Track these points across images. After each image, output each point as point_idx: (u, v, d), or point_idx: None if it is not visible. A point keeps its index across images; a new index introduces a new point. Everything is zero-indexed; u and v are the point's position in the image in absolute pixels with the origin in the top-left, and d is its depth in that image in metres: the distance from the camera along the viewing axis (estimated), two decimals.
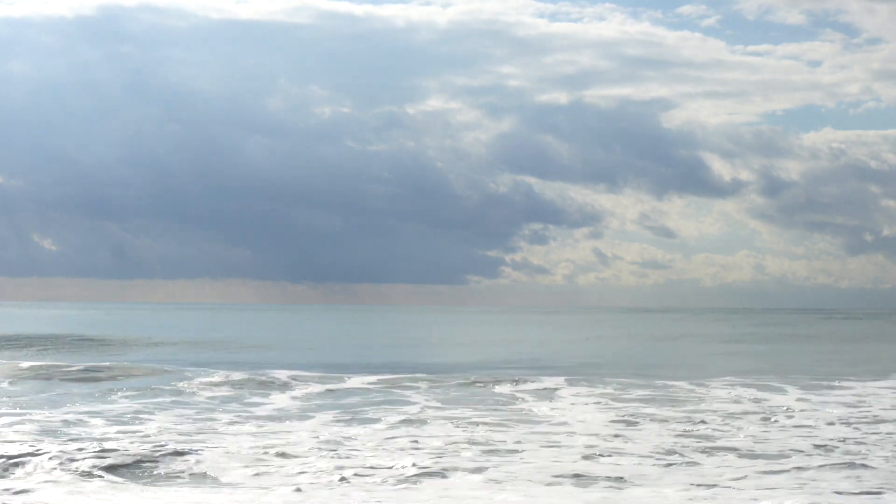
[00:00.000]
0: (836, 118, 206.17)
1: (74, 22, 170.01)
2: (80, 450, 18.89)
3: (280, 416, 25.58)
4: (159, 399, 29.29)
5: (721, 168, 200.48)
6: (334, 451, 19.64)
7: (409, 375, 36.86)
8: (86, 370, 38.10)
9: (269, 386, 33.43)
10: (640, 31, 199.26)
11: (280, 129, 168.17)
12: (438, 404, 28.44)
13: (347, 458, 18.87)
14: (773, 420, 24.76)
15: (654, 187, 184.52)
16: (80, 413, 25.71)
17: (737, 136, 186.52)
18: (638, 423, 24.25)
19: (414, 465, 17.92)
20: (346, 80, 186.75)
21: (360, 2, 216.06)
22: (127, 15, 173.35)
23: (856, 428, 23.29)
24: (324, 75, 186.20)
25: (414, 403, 28.59)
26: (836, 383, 34.74)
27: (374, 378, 35.63)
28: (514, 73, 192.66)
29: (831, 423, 24.09)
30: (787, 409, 27.17)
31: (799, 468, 18.05)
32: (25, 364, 40.72)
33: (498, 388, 33.00)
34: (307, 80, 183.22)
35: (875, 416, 25.72)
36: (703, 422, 24.24)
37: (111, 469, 17.66)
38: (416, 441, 20.89)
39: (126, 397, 29.72)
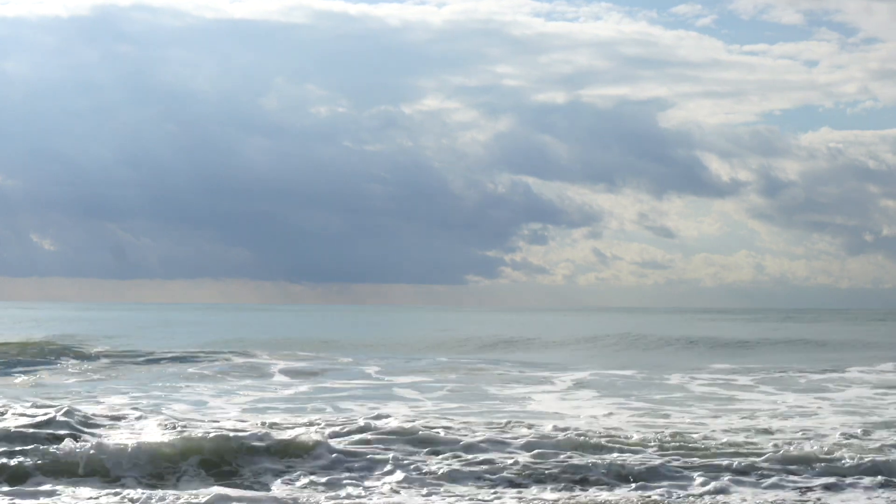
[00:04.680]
0: (833, 118, 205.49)
1: (70, 21, 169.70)
2: None
3: None
4: None
5: (719, 168, 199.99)
6: None
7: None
8: None
9: None
10: (637, 31, 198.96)
11: (276, 129, 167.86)
12: None
13: None
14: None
15: (652, 187, 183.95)
16: None
17: (734, 135, 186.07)
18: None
19: None
20: (342, 79, 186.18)
21: (356, 1, 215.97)
22: (122, 14, 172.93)
23: None
24: (319, 75, 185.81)
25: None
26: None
27: None
28: (511, 73, 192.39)
29: None
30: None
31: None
32: None
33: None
34: (303, 79, 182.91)
35: None
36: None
37: None
38: None
39: None
